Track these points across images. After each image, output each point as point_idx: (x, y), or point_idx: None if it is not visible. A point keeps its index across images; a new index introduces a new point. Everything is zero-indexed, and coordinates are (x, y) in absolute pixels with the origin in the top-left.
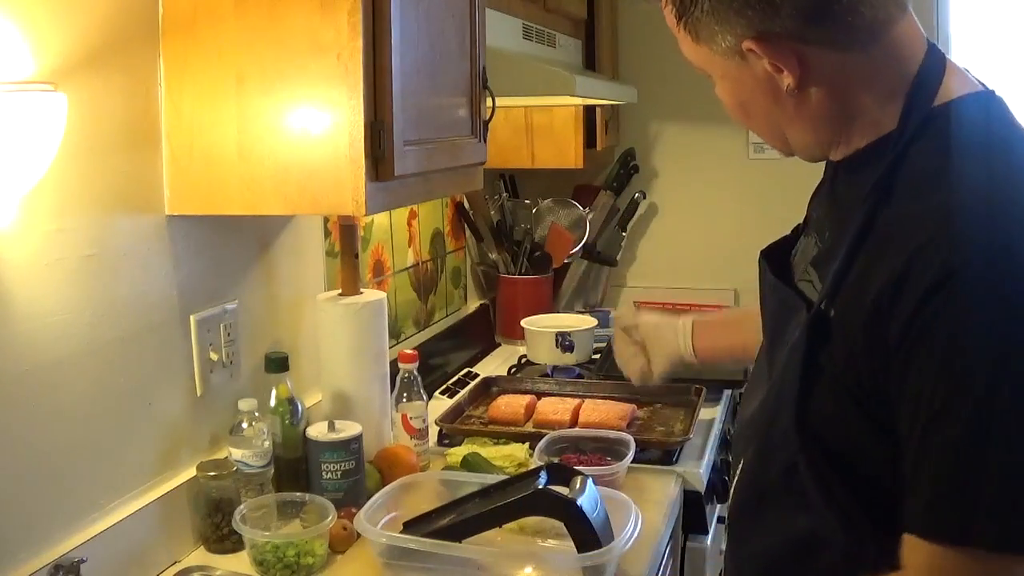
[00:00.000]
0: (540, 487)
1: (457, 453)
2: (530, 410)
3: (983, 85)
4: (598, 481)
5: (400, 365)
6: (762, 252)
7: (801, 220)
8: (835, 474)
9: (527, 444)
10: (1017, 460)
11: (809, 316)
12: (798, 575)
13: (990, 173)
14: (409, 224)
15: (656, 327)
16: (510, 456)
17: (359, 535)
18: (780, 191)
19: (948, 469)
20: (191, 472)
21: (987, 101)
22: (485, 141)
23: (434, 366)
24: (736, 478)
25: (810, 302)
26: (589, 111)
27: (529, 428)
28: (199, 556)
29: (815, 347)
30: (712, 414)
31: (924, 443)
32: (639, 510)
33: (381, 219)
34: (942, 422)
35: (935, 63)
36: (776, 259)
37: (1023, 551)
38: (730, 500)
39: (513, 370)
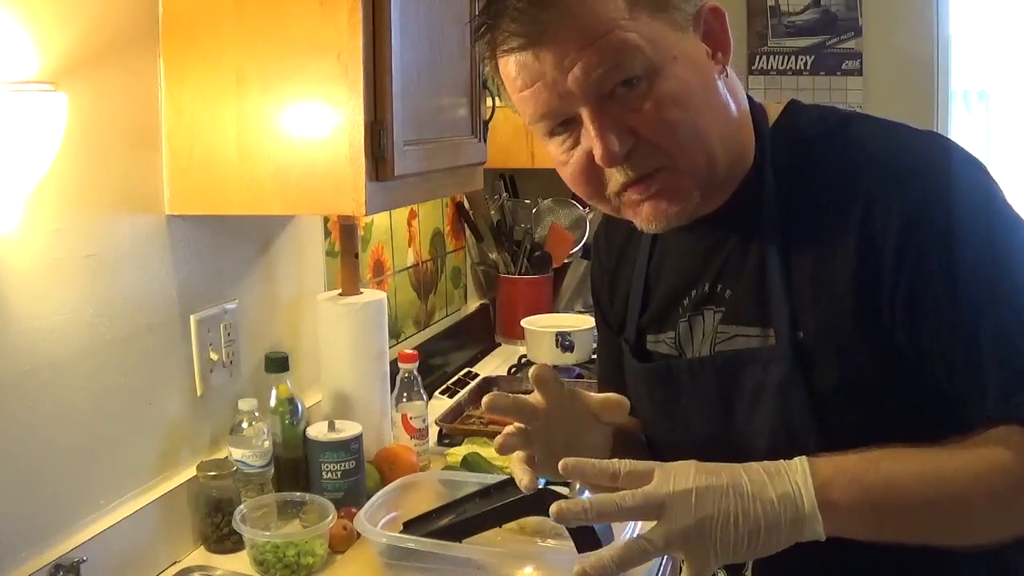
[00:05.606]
0: (540, 487)
1: (457, 453)
2: None
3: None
4: None
5: (400, 365)
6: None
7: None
8: None
9: None
10: None
11: (784, 346)
12: None
13: (858, 136)
14: (409, 224)
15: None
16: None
17: (359, 535)
18: None
19: (1011, 348)
20: (191, 472)
21: (793, 106)
22: (485, 141)
23: (434, 366)
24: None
25: (767, 343)
26: None
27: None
28: (199, 556)
29: (801, 375)
30: None
31: (971, 336)
32: None
33: (381, 219)
34: (980, 312)
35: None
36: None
37: None
38: None
39: (513, 370)
